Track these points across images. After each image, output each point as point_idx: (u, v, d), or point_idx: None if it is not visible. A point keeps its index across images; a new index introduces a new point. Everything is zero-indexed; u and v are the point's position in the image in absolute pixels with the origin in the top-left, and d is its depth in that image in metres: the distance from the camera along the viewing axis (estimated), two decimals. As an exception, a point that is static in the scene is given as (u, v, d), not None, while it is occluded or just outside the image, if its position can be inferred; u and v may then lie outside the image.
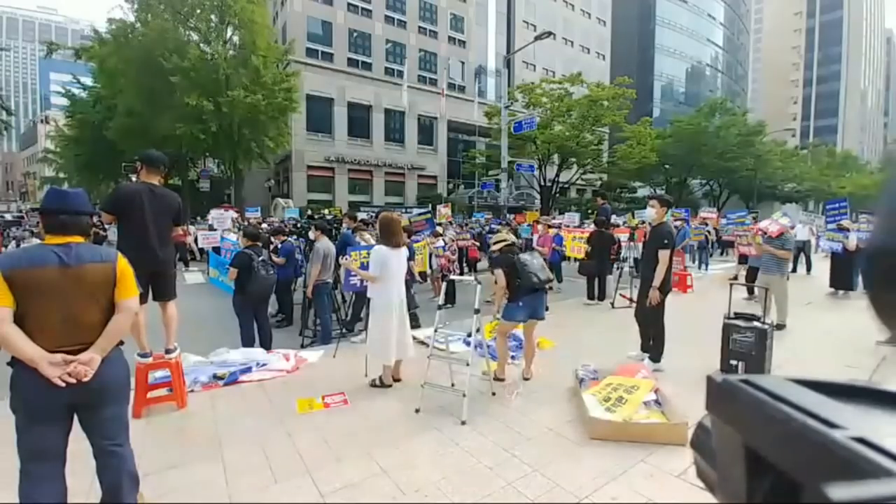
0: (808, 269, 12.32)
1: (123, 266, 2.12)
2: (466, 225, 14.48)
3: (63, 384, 1.85)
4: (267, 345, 5.08)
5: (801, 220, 13.22)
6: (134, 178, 4.54)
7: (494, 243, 4.44)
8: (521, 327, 4.36)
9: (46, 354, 1.85)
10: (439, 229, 9.34)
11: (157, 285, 3.60)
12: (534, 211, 21.91)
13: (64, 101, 31.05)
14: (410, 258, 6.83)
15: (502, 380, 4.20)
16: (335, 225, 12.55)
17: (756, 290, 7.69)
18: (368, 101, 30.06)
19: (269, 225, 13.89)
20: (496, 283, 4.16)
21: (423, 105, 31.44)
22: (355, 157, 29.55)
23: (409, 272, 6.78)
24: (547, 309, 7.12)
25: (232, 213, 14.61)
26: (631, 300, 7.22)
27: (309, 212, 20.88)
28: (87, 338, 1.98)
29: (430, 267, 8.18)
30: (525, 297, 4.07)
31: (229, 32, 19.98)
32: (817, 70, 77.20)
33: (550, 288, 6.94)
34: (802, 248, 12.30)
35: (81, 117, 27.04)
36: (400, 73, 26.82)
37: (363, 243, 5.81)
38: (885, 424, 0.34)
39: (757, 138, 31.32)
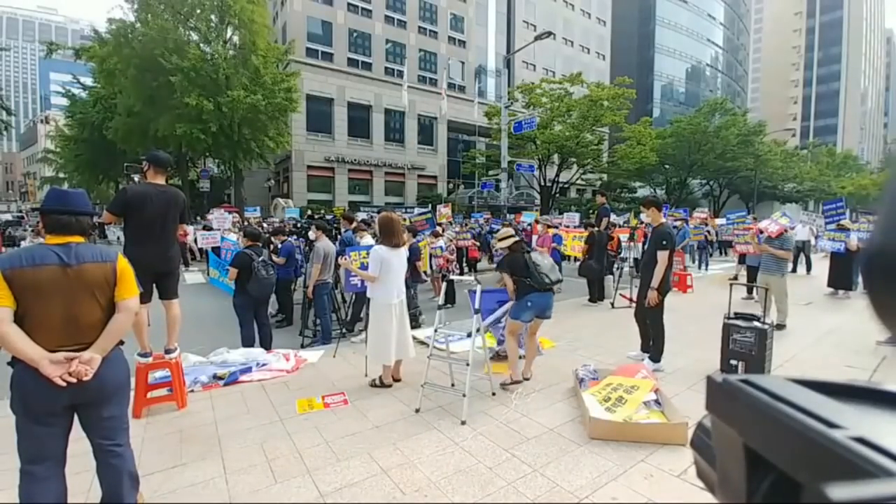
0: (808, 268, 12.32)
1: (123, 266, 2.12)
2: (466, 225, 14.48)
3: (63, 384, 1.85)
4: (267, 345, 5.08)
5: (802, 220, 13.24)
6: (137, 179, 4.55)
7: (500, 240, 4.12)
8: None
9: (47, 354, 1.85)
10: (439, 229, 9.34)
11: (163, 284, 3.63)
12: (534, 210, 21.91)
13: (64, 101, 31.04)
14: (417, 258, 6.85)
15: (518, 382, 4.03)
16: (335, 225, 12.55)
17: (756, 289, 7.70)
18: (368, 101, 30.06)
19: (268, 225, 13.89)
20: (504, 284, 4.10)
21: (423, 105, 31.45)
22: (355, 157, 29.55)
23: (416, 271, 6.80)
24: (549, 308, 7.16)
25: (232, 216, 14.61)
26: (631, 300, 7.22)
27: (309, 212, 20.87)
28: (87, 337, 1.98)
29: (430, 267, 8.19)
30: (533, 296, 3.92)
31: (229, 32, 19.95)
32: (817, 70, 77.16)
33: (559, 289, 6.86)
34: (802, 248, 12.31)
35: (81, 117, 27.05)
36: (400, 73, 26.77)
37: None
38: (885, 424, 0.34)
39: (757, 138, 31.27)
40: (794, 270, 11.53)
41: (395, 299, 3.98)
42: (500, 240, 4.12)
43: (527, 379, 4.20)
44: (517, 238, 4.13)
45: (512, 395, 3.88)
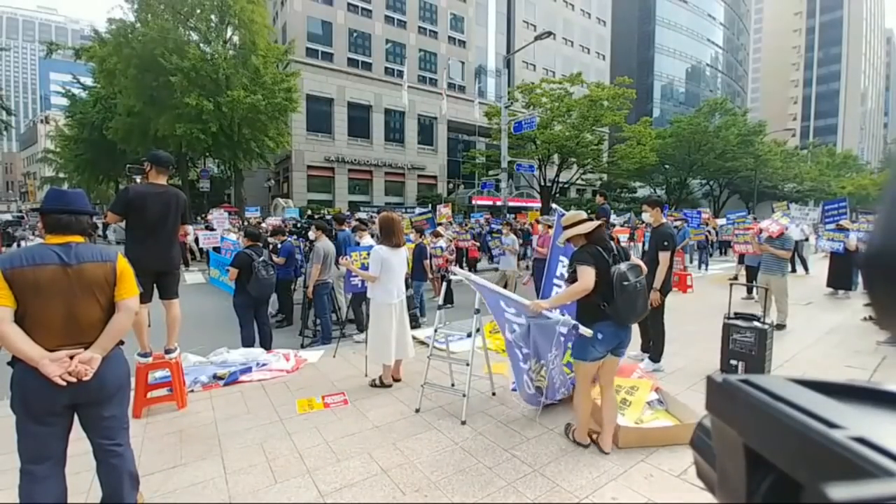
0: (806, 268, 12.24)
1: (123, 266, 2.12)
2: (466, 225, 14.48)
3: (63, 383, 1.85)
4: (267, 345, 5.08)
5: (794, 218, 13.17)
6: (139, 179, 4.55)
7: (569, 225, 2.84)
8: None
9: (47, 353, 1.85)
10: (440, 229, 9.34)
11: (164, 284, 3.64)
12: (534, 210, 21.91)
13: (64, 101, 31.03)
14: (426, 256, 6.87)
15: (586, 445, 2.97)
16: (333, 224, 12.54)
17: (756, 289, 7.70)
18: (368, 101, 30.04)
19: (268, 225, 13.87)
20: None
21: (423, 105, 31.43)
22: (355, 157, 29.54)
23: (424, 270, 6.82)
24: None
25: (230, 217, 14.62)
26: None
27: (309, 212, 20.87)
28: (87, 337, 1.98)
29: (430, 267, 8.19)
30: (606, 327, 2.74)
31: (229, 32, 19.94)
32: (817, 70, 77.14)
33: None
34: (795, 248, 12.23)
35: (81, 117, 27.04)
36: (400, 73, 26.73)
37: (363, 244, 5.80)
38: (885, 424, 0.34)
39: (757, 138, 31.28)
40: (793, 270, 11.51)
41: (395, 299, 3.98)
42: (570, 225, 2.82)
43: (606, 453, 2.90)
44: (600, 222, 2.85)
45: (511, 394, 3.88)
